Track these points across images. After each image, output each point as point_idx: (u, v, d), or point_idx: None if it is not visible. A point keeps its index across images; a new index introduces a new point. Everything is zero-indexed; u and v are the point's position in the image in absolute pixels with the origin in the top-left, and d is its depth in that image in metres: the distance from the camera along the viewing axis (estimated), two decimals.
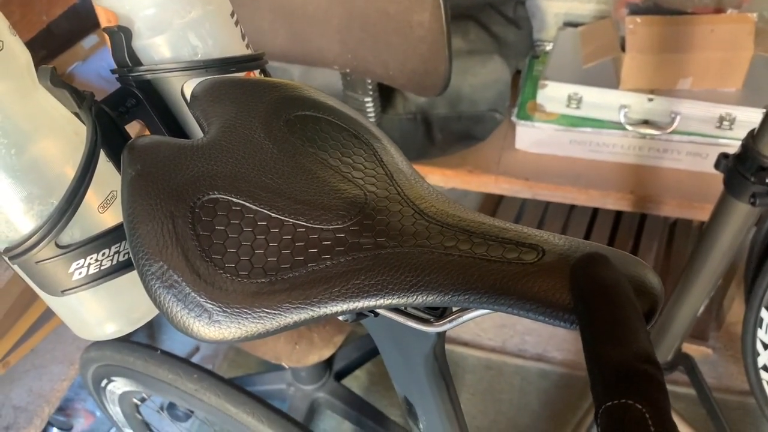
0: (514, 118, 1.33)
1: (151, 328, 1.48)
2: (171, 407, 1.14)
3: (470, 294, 0.32)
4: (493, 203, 1.59)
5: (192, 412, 0.93)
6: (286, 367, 1.09)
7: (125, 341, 0.79)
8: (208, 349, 1.47)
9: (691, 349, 1.32)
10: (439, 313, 0.37)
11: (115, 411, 0.93)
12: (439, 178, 1.36)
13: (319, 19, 0.97)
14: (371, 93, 1.09)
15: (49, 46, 1.16)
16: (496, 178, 1.32)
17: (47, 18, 0.94)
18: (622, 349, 0.25)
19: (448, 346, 1.46)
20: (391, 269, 0.34)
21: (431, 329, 0.36)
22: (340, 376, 1.31)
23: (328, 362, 1.28)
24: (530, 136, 1.33)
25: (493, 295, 0.31)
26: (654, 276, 0.31)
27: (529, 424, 1.31)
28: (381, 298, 0.34)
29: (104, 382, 0.86)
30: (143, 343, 0.78)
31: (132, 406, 0.93)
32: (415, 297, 0.33)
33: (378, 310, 0.37)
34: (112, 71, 0.43)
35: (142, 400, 0.93)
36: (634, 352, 0.25)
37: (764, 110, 0.76)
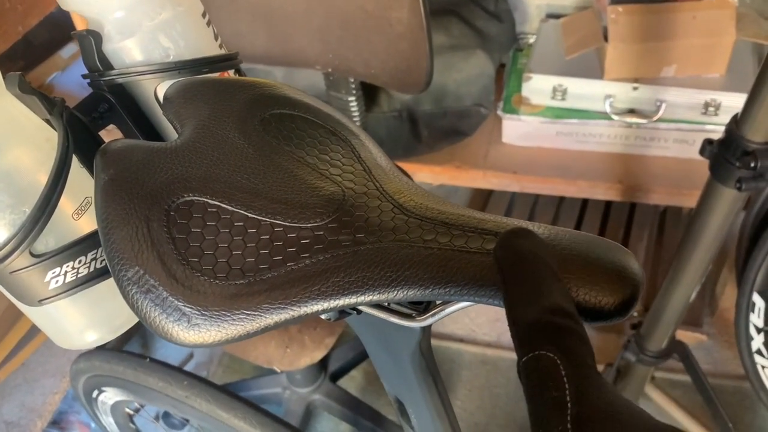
0: (500, 112, 1.33)
1: (144, 336, 1.47)
2: (166, 416, 1.13)
3: (450, 287, 0.31)
4: (482, 198, 1.59)
5: (187, 420, 0.93)
6: (279, 371, 1.09)
7: (114, 350, 0.78)
8: (202, 355, 1.46)
9: (685, 336, 1.32)
10: (423, 308, 0.36)
11: (109, 422, 0.92)
12: (428, 174, 1.36)
13: (299, 19, 0.97)
14: (354, 92, 1.08)
15: (28, 57, 1.15)
16: (484, 173, 1.32)
17: (23, 28, 0.93)
18: (534, 307, 0.26)
19: (443, 343, 1.46)
20: (371, 265, 0.33)
21: (414, 324, 0.36)
22: (335, 377, 1.31)
23: (323, 364, 1.28)
24: (517, 130, 1.33)
25: (474, 286, 0.31)
26: (635, 262, 0.30)
27: (527, 417, 1.30)
28: (362, 294, 0.33)
29: (95, 392, 0.85)
30: (132, 351, 0.78)
31: (125, 416, 0.92)
32: (396, 292, 0.33)
33: (360, 307, 0.37)
34: (84, 76, 0.42)
35: (136, 410, 0.92)
36: (545, 307, 0.26)
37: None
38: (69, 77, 1.16)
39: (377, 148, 0.41)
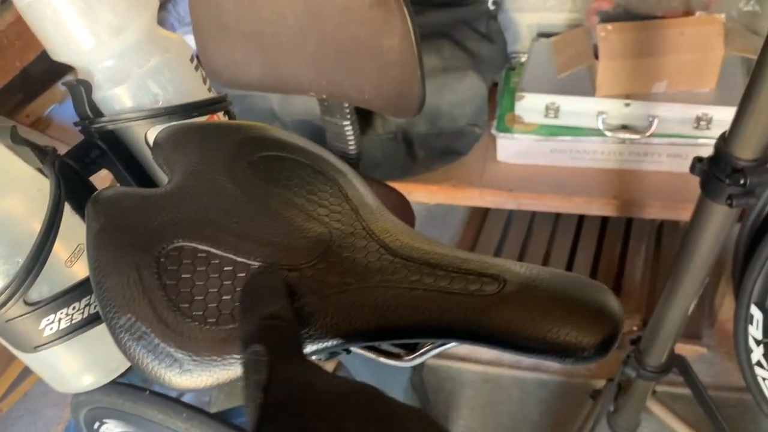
0: (494, 131, 1.34)
1: None
2: None
3: (435, 328, 0.32)
4: (480, 216, 1.60)
5: None
6: None
7: (114, 383, 0.78)
8: None
9: (685, 349, 1.32)
10: (412, 347, 0.37)
11: None
12: (425, 194, 1.37)
13: (293, 47, 0.98)
14: (349, 116, 1.09)
15: (26, 90, 1.16)
16: (481, 191, 1.33)
17: (21, 63, 0.95)
18: (251, 320, 0.32)
19: (444, 363, 1.46)
20: (358, 307, 0.34)
21: (402, 364, 0.36)
22: None
23: None
24: (511, 148, 1.34)
25: (457, 328, 0.31)
26: (614, 300, 0.31)
27: None
28: (350, 336, 0.34)
29: (96, 424, 0.85)
30: (132, 383, 0.78)
31: None
32: (382, 334, 0.33)
33: (350, 348, 0.37)
34: (75, 124, 0.43)
35: None
36: (258, 317, 0.32)
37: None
38: (67, 109, 1.18)
39: (364, 186, 0.42)
